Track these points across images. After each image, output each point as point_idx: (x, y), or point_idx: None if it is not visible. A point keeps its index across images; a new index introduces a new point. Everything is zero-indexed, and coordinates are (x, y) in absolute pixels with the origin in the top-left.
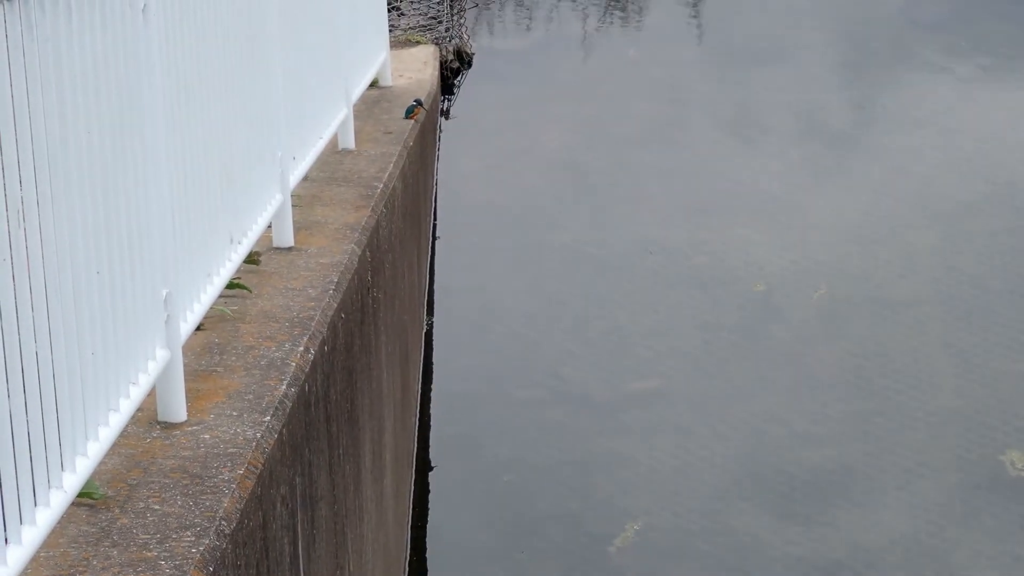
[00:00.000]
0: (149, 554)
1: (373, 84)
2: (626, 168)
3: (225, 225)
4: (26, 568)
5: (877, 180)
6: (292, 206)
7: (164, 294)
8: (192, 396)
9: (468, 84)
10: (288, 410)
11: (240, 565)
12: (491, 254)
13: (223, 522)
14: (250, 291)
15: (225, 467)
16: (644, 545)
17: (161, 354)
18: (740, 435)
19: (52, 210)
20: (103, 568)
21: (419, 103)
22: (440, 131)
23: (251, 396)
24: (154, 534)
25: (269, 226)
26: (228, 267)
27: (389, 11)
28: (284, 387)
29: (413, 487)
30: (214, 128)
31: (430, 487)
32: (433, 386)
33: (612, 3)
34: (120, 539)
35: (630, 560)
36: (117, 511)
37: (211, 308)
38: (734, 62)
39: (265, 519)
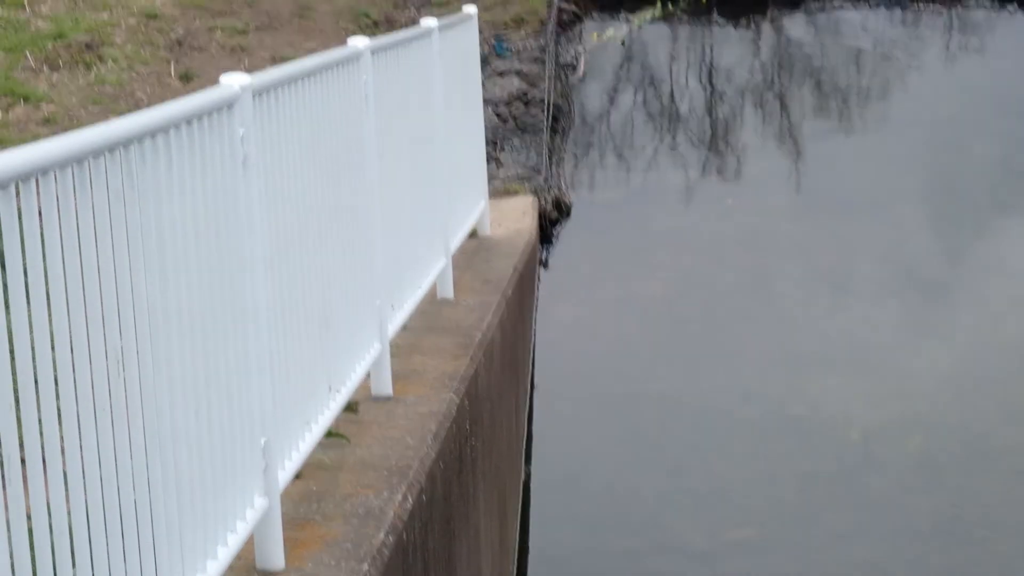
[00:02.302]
0: None
1: (472, 234)
2: (723, 317)
3: (324, 374)
4: None
5: (974, 330)
6: (391, 355)
7: (263, 442)
8: (290, 544)
9: (566, 234)
10: (386, 559)
11: None
12: (589, 403)
13: None
14: (348, 440)
15: None
16: None
17: (259, 502)
18: None
19: (151, 358)
20: None
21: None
22: (539, 281)
23: (349, 545)
24: None
25: (367, 375)
26: (326, 416)
27: (488, 162)
28: (382, 536)
29: None
30: (313, 277)
31: None
32: (531, 535)
33: (711, 153)
34: None
35: None
36: None
37: (309, 456)
38: (831, 211)
39: None
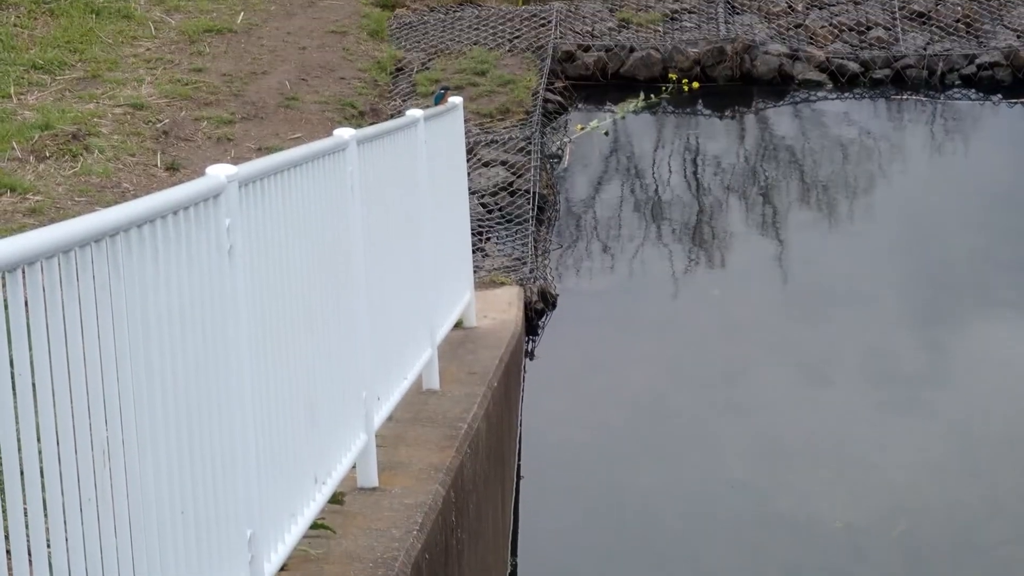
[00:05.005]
0: None
1: (458, 325)
2: (708, 408)
3: (310, 465)
4: None
5: (959, 422)
6: (376, 446)
7: (248, 534)
8: None
9: (552, 325)
10: None
11: None
12: (575, 494)
13: None
14: (334, 532)
15: None
16: None
17: None
18: None
19: (137, 449)
20: None
21: (447, 90)
22: (524, 372)
23: None
24: None
25: (353, 465)
26: (312, 507)
27: (474, 252)
28: None
29: None
30: (299, 368)
31: None
32: None
33: (696, 243)
34: None
35: None
36: None
37: (295, 548)
38: (816, 302)
39: None
